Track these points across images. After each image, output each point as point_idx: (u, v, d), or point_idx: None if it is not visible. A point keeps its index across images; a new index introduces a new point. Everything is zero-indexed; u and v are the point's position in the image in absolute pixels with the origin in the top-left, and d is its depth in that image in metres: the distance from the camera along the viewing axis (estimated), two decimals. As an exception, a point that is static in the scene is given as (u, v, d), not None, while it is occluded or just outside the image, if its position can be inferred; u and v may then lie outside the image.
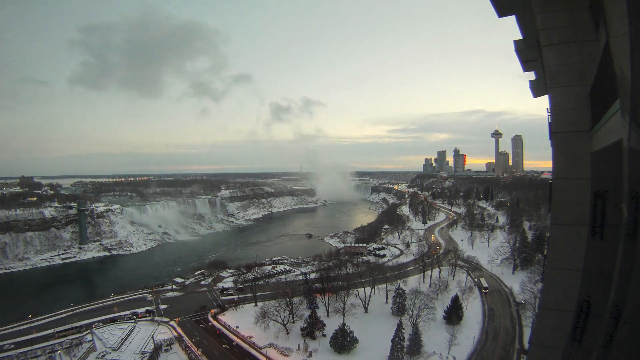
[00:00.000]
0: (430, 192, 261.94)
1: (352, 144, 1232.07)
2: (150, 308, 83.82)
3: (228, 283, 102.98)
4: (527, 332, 61.54)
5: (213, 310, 79.70)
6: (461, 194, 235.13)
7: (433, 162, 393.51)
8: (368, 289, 78.36)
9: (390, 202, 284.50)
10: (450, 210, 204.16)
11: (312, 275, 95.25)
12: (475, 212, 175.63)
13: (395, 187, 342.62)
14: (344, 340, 59.42)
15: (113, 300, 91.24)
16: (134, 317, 78.14)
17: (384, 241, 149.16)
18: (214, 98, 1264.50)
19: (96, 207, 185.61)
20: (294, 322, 68.58)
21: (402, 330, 56.32)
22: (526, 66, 10.86)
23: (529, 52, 9.84)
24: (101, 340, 66.68)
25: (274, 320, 66.98)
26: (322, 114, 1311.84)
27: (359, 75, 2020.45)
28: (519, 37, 9.65)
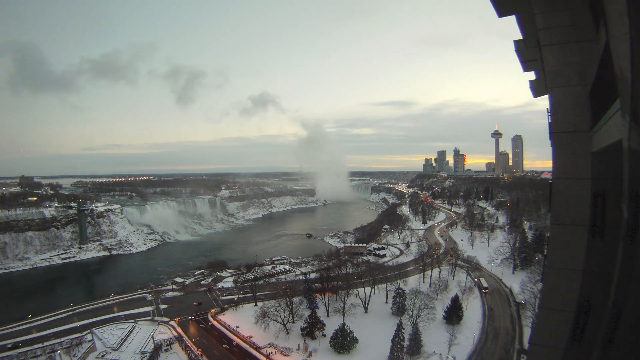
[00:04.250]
0: (430, 192, 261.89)
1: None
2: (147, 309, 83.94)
3: (228, 283, 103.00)
4: (527, 332, 61.60)
5: (213, 310, 79.77)
6: (461, 194, 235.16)
7: (433, 162, 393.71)
8: (368, 289, 78.33)
9: (390, 202, 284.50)
10: (450, 210, 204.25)
11: (312, 275, 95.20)
12: (475, 212, 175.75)
13: (396, 187, 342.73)
14: (344, 340, 59.41)
15: (113, 300, 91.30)
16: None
17: (384, 241, 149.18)
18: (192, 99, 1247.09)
19: (96, 207, 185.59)
20: (294, 322, 68.56)
21: (402, 330, 56.31)
22: (526, 66, 10.84)
23: (529, 52, 9.82)
24: (101, 340, 66.68)
25: (274, 320, 66.94)
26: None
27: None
28: (519, 37, 9.64)
